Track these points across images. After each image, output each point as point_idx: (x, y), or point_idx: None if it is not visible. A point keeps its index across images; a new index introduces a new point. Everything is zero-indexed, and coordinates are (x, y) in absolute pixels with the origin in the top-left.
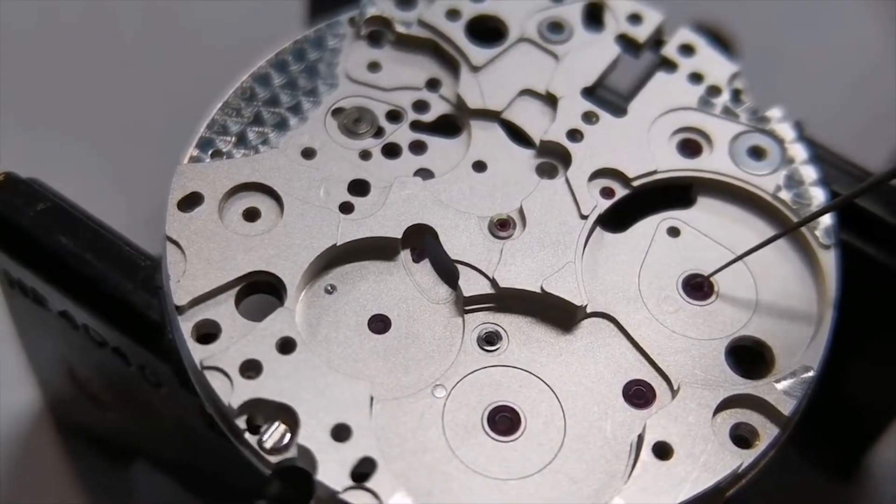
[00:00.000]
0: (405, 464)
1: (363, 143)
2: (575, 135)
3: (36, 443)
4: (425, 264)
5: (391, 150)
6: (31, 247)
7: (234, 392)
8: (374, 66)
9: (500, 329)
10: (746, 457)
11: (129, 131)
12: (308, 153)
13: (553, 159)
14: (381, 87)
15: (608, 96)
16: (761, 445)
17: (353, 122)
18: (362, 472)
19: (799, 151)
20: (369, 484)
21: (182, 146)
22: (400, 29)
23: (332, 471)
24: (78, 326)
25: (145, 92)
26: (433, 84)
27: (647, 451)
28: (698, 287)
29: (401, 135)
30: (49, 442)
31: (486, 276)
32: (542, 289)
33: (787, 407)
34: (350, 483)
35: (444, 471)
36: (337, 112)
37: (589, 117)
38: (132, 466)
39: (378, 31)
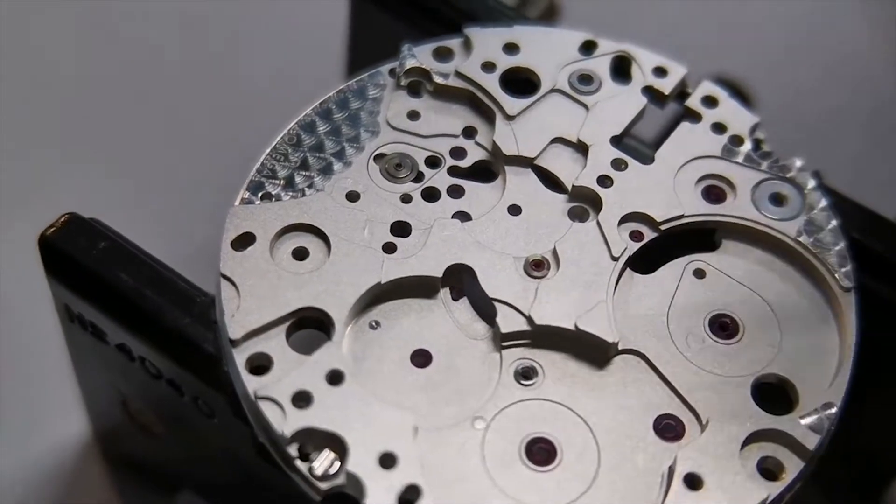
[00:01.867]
0: (447, 492)
1: (404, 187)
2: (605, 181)
3: (83, 472)
4: (464, 302)
5: (430, 194)
6: (94, 283)
7: (286, 421)
8: (413, 115)
9: (535, 364)
10: (773, 489)
11: (178, 177)
12: (352, 196)
13: (584, 203)
14: (421, 134)
15: (635, 145)
16: (787, 478)
17: (394, 167)
18: (408, 498)
19: (818, 198)
20: None
21: (223, 192)
22: (438, 80)
23: (379, 497)
24: (135, 359)
25: (195, 141)
26: (469, 132)
27: (678, 482)
28: (724, 327)
29: (439, 179)
30: (96, 472)
31: (523, 314)
32: (575, 326)
33: (811, 442)
34: None
35: (483, 499)
36: (379, 158)
37: (618, 164)
38: (178, 496)
39: (417, 82)
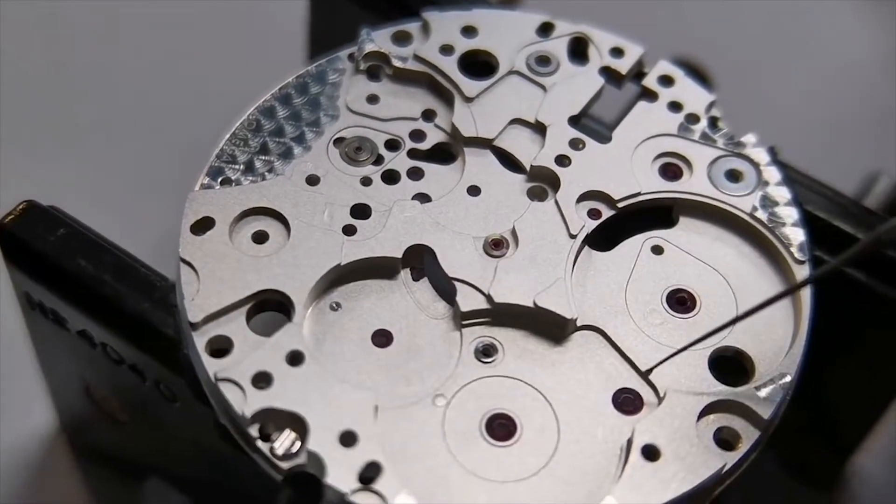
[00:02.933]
0: (408, 468)
1: (364, 170)
2: (563, 160)
3: (50, 463)
4: (424, 282)
5: (390, 177)
6: (54, 270)
7: (246, 402)
8: (372, 99)
9: (495, 342)
10: (729, 458)
11: (139, 164)
12: (312, 180)
13: (542, 183)
14: (380, 117)
15: (593, 125)
16: (743, 448)
17: (354, 150)
18: (369, 475)
19: (773, 174)
20: (376, 486)
21: (184, 179)
22: (397, 63)
23: (340, 474)
24: (96, 345)
25: (155, 129)
26: (429, 115)
27: (636, 454)
28: (682, 301)
29: (399, 162)
30: (63, 462)
31: (482, 293)
32: (534, 303)
33: (766, 411)
34: (358, 485)
35: (444, 474)
36: (338, 142)
37: (576, 144)
38: (145, 484)
39: (376, 66)
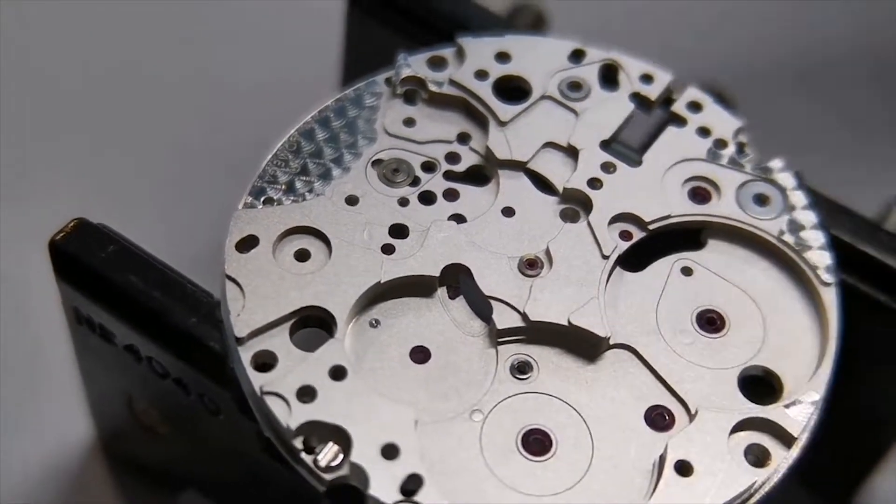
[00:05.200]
0: (447, 481)
1: (401, 191)
2: (595, 183)
3: (87, 474)
4: (460, 300)
5: (427, 198)
6: (103, 285)
7: (291, 415)
8: (409, 122)
9: (530, 359)
10: (760, 475)
11: (181, 183)
12: (351, 200)
13: (575, 205)
14: (417, 140)
15: (623, 150)
16: (773, 465)
17: (391, 172)
18: (410, 488)
19: (799, 198)
20: (417, 498)
21: (224, 198)
22: (433, 88)
23: (382, 486)
24: (142, 359)
25: (195, 148)
26: (463, 138)
27: (669, 469)
28: (711, 321)
29: (435, 183)
30: (100, 473)
31: (518, 311)
32: (569, 322)
33: (795, 429)
34: (400, 497)
35: (482, 488)
36: (376, 163)
37: (607, 167)
38: (181, 495)
39: (412, 90)
